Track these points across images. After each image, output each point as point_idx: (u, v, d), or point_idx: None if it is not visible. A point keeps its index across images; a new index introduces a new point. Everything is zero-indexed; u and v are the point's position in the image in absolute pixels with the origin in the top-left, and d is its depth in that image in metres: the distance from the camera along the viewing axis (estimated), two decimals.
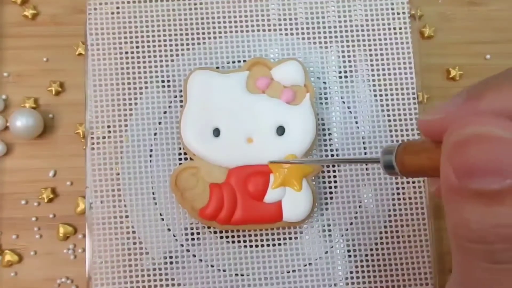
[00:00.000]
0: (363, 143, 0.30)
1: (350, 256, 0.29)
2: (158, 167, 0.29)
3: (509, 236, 0.14)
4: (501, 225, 0.14)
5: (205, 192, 0.28)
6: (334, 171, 0.30)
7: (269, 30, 0.31)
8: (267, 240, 0.29)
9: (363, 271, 0.29)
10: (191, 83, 0.29)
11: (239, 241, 0.29)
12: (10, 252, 0.30)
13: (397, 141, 0.30)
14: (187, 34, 0.31)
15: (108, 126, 0.30)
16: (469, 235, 0.15)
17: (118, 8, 0.31)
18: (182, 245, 0.29)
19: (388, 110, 0.30)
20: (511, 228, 0.14)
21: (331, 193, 0.30)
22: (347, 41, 0.31)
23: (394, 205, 0.30)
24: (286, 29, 0.31)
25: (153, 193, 0.29)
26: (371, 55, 0.31)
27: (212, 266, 0.29)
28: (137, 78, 0.30)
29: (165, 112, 0.30)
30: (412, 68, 0.31)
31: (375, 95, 0.30)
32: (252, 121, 0.28)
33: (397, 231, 0.29)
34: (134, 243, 0.29)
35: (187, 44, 0.30)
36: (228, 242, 0.29)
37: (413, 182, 0.30)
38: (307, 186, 0.28)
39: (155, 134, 0.30)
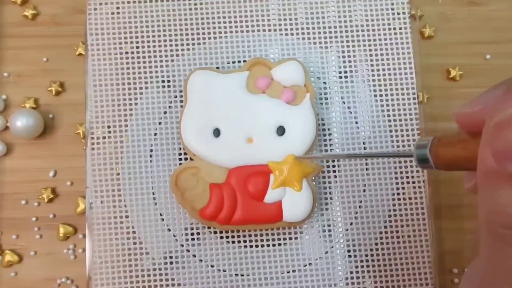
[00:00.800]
0: (363, 143, 0.30)
1: (350, 256, 0.29)
2: (158, 167, 0.29)
3: None
4: None
5: (205, 192, 0.28)
6: (334, 171, 0.30)
7: (269, 30, 0.31)
8: (267, 240, 0.29)
9: (363, 271, 0.29)
10: (191, 83, 0.29)
11: (239, 241, 0.29)
12: (10, 252, 0.30)
13: (397, 141, 0.30)
14: (187, 34, 0.31)
15: (108, 126, 0.30)
16: (503, 220, 0.15)
17: (118, 8, 0.31)
18: (182, 245, 0.29)
19: (388, 110, 0.30)
20: None
21: (331, 193, 0.30)
22: (347, 41, 0.31)
23: (394, 205, 0.30)
24: (286, 29, 0.31)
25: (153, 193, 0.29)
26: (371, 55, 0.31)
27: (212, 266, 0.29)
28: (137, 78, 0.30)
29: (165, 112, 0.30)
30: (412, 68, 0.31)
31: (375, 95, 0.30)
32: (252, 121, 0.28)
33: (397, 231, 0.29)
34: (134, 243, 0.29)
35: (187, 44, 0.30)
36: (228, 242, 0.29)
37: (413, 183, 0.30)
38: (307, 186, 0.28)
39: (155, 134, 0.30)
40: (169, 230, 0.29)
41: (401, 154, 0.28)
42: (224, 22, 0.31)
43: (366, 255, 0.29)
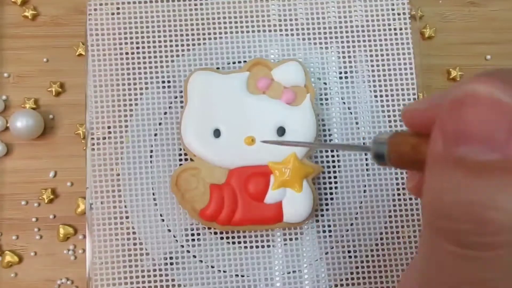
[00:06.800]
0: (363, 143, 0.30)
1: (350, 257, 0.29)
2: (158, 168, 0.29)
3: (480, 217, 0.12)
4: (474, 203, 0.12)
5: (206, 193, 0.28)
6: (334, 172, 0.30)
7: (269, 30, 0.31)
8: (268, 241, 0.29)
9: (363, 272, 0.29)
10: (191, 83, 0.29)
11: (239, 242, 0.29)
12: (10, 253, 0.30)
13: None
14: (187, 35, 0.31)
15: (109, 127, 0.30)
16: (439, 209, 0.13)
17: (118, 8, 0.31)
18: (182, 246, 0.29)
19: (388, 111, 0.30)
20: (483, 208, 0.12)
21: (331, 193, 0.30)
22: (347, 41, 0.31)
23: (394, 205, 0.30)
24: (286, 30, 0.31)
25: (153, 194, 0.29)
26: (371, 55, 0.31)
27: (212, 267, 0.29)
28: (137, 78, 0.30)
29: (165, 113, 0.30)
30: (413, 69, 0.31)
31: (376, 96, 0.30)
32: (253, 122, 0.28)
33: (397, 231, 0.29)
34: (135, 244, 0.29)
35: (188, 45, 0.30)
36: (228, 243, 0.29)
37: None
38: (308, 187, 0.28)
39: (156, 134, 0.30)
40: (169, 230, 0.29)
41: (361, 148, 0.28)
42: (224, 23, 0.31)
43: (367, 256, 0.29)
